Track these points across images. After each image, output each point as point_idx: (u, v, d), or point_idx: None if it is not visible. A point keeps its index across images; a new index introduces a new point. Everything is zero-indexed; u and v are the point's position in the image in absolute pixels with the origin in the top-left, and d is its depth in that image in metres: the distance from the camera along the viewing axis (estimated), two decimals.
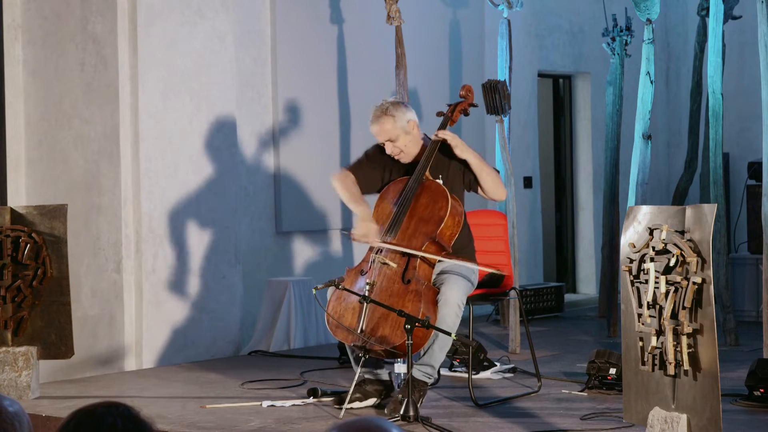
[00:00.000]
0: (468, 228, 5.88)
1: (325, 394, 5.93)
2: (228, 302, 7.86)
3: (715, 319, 4.22)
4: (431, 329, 5.30)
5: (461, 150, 5.75)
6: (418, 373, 5.52)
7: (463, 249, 5.79)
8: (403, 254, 5.61)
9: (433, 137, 5.83)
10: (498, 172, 5.86)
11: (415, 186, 5.75)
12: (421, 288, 5.48)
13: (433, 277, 5.64)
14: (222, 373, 7.01)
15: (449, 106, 6.07)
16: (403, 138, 5.78)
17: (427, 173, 5.78)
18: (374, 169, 5.93)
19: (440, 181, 5.77)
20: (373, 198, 5.95)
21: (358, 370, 5.54)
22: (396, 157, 5.83)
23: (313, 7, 8.77)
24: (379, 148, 5.95)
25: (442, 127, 5.92)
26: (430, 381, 5.58)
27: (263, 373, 6.94)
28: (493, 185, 5.77)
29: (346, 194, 5.85)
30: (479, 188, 5.82)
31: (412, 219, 5.71)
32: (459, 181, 5.82)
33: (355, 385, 5.58)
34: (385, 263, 5.61)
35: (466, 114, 6.11)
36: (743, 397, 5.74)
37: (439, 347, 5.54)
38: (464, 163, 5.80)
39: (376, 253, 5.66)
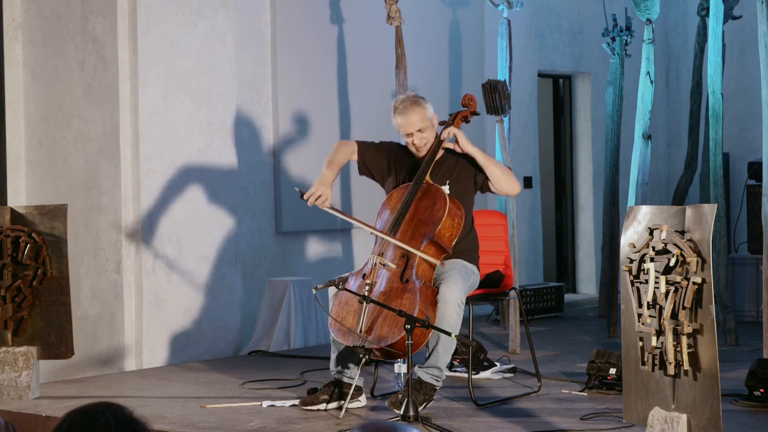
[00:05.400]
0: (474, 232, 5.89)
1: None
2: (228, 302, 7.85)
3: (715, 319, 4.22)
4: (430, 329, 5.30)
5: (464, 143, 5.77)
6: (425, 375, 5.52)
7: (466, 252, 5.79)
8: (402, 255, 5.63)
9: (442, 134, 5.84)
10: (510, 169, 5.86)
11: (415, 190, 5.78)
12: (419, 287, 5.48)
13: (434, 277, 5.64)
14: (222, 373, 7.01)
15: (451, 115, 6.10)
16: (430, 130, 5.82)
17: (428, 177, 5.81)
18: (381, 154, 5.97)
19: (446, 188, 5.79)
20: (375, 202, 6.00)
21: (358, 372, 5.55)
22: (417, 150, 5.84)
23: (313, 7, 8.76)
24: (393, 144, 6.03)
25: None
26: (438, 384, 5.56)
27: (263, 373, 6.94)
28: (503, 178, 5.78)
29: (330, 155, 5.88)
30: (490, 184, 5.83)
31: (412, 221, 5.74)
32: (469, 183, 5.84)
33: (326, 386, 5.70)
34: (384, 264, 5.62)
35: (467, 121, 6.14)
36: (743, 397, 5.74)
37: (444, 348, 5.54)
38: (472, 163, 5.82)
39: (376, 256, 5.67)
